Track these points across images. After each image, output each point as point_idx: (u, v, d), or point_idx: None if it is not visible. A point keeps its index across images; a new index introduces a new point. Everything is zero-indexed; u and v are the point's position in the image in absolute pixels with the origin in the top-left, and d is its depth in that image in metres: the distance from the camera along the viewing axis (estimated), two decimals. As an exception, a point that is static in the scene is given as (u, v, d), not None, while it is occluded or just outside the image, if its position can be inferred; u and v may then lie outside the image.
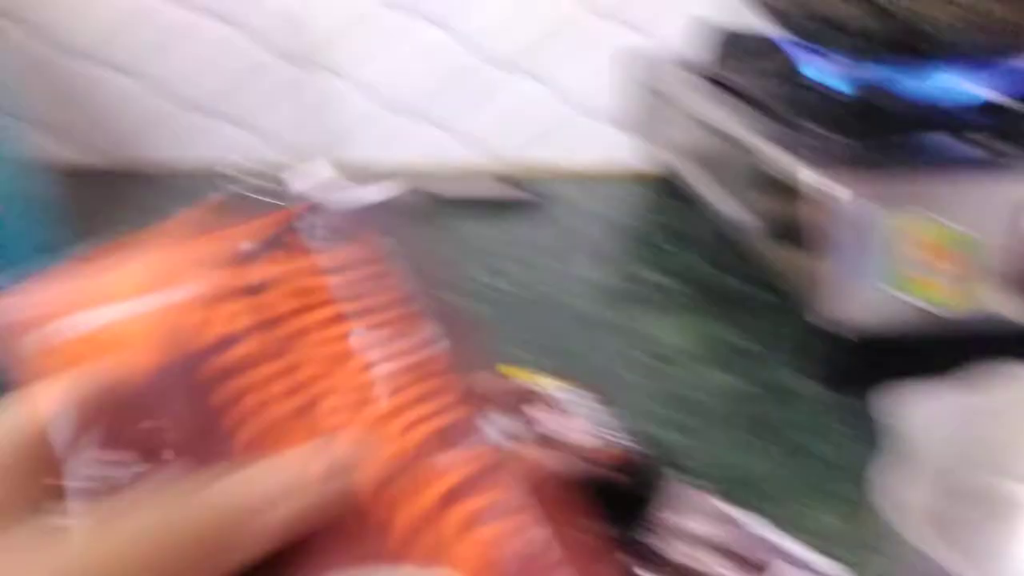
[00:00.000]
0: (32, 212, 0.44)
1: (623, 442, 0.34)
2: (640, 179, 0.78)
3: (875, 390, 0.38)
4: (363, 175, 0.20)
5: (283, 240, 0.19)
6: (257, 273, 0.19)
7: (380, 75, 0.76)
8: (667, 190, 0.74)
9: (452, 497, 0.16)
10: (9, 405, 0.16)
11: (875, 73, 0.55)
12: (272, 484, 0.15)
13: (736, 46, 0.67)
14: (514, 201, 0.73)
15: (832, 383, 0.47)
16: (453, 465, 0.17)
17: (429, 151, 0.80)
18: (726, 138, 0.54)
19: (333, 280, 0.18)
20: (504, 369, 0.39)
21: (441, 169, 0.79)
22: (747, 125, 0.52)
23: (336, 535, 0.16)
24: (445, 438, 0.17)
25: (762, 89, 0.56)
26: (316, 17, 0.74)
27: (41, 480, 0.16)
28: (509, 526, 0.17)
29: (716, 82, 0.62)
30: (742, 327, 0.54)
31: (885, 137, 0.50)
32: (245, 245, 0.19)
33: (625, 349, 0.51)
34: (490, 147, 0.80)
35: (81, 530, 0.14)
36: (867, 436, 0.42)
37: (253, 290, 0.18)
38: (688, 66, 0.67)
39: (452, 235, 0.66)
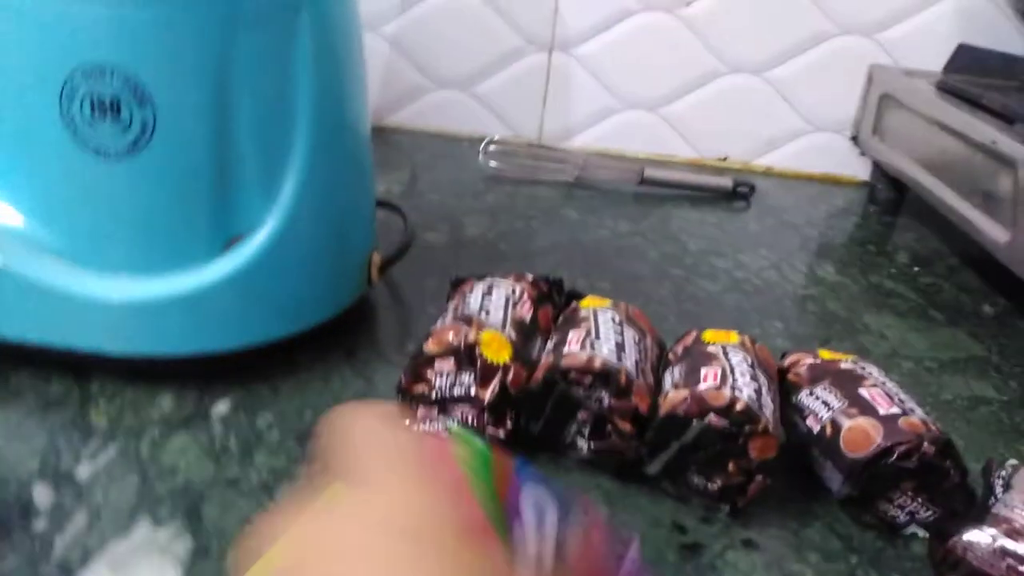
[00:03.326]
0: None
1: (931, 424, 0.37)
2: (864, 188, 0.81)
3: None
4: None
5: None
6: None
7: (624, 71, 0.81)
8: (891, 200, 0.76)
9: None
10: None
11: None
12: None
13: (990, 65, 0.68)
14: (735, 193, 0.77)
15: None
16: None
17: (658, 146, 0.84)
18: (982, 149, 0.56)
19: None
20: (822, 351, 0.43)
21: (667, 160, 0.83)
22: (1013, 138, 0.54)
23: None
24: None
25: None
26: (573, 12, 0.78)
27: None
28: None
29: (968, 99, 0.63)
30: (983, 339, 0.56)
31: None
32: None
33: (875, 349, 0.54)
34: (716, 149, 0.84)
35: None
36: None
37: None
38: (936, 80, 0.68)
39: (675, 221, 0.70)
